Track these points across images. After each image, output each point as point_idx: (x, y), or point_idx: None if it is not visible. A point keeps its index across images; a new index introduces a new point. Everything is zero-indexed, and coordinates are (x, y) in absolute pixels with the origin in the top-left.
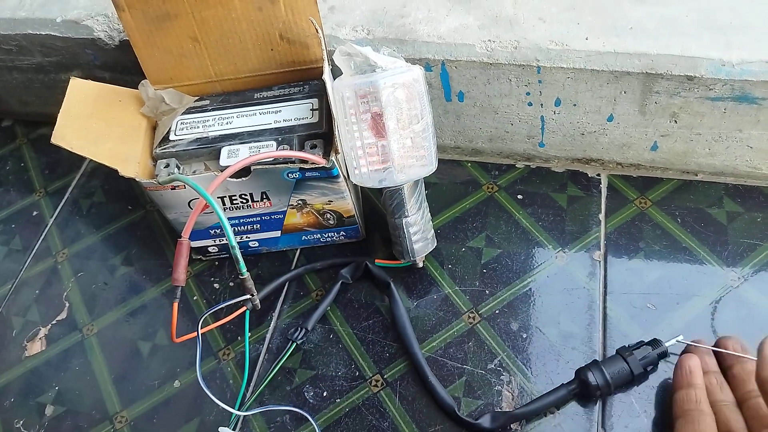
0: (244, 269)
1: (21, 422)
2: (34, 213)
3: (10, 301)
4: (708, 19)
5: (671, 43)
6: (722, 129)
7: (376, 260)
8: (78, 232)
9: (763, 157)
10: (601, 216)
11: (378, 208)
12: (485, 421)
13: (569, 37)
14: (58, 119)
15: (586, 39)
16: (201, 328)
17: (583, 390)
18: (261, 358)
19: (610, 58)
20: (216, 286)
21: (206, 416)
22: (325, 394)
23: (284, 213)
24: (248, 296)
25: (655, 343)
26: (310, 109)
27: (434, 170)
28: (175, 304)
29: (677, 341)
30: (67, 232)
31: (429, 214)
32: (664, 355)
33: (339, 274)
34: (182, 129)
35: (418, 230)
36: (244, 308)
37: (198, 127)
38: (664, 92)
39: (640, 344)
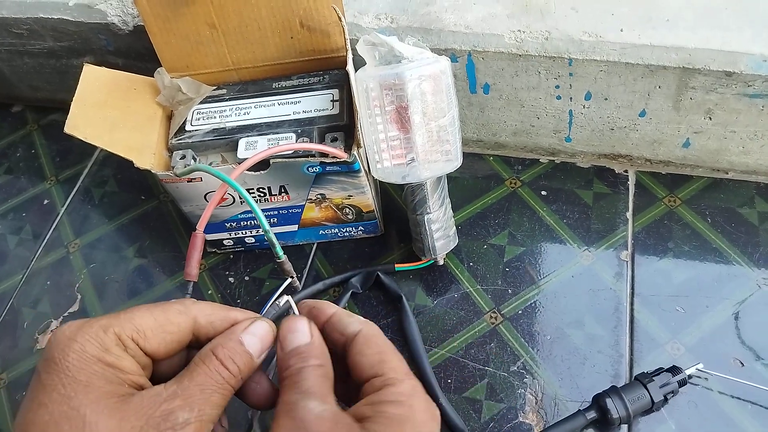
0: (281, 252)
1: None
2: (45, 201)
3: (21, 292)
4: (749, 12)
5: (710, 37)
6: (758, 127)
7: (396, 265)
8: (90, 222)
9: None
10: (629, 214)
11: (396, 202)
12: None
13: (603, 28)
14: (71, 108)
15: (621, 30)
16: None
17: (601, 417)
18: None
19: (646, 51)
20: (231, 280)
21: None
22: None
23: (302, 207)
24: (290, 278)
25: (675, 370)
26: (331, 100)
27: (459, 165)
28: None
29: (697, 369)
30: (79, 221)
31: (451, 210)
32: (683, 382)
33: (349, 283)
34: (198, 119)
35: (440, 227)
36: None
37: (215, 117)
38: (701, 88)
39: (659, 371)
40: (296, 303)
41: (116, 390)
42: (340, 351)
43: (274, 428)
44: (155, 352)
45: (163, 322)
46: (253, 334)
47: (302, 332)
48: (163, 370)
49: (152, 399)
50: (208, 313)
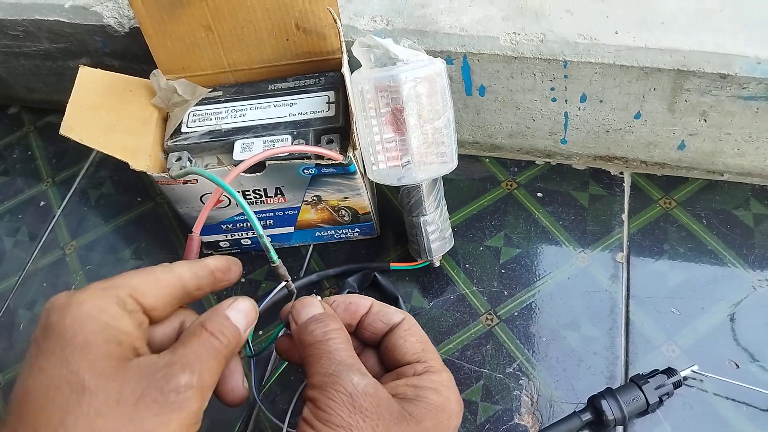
0: (275, 256)
1: None
2: (42, 203)
3: (17, 294)
4: (744, 14)
5: (704, 39)
6: (753, 129)
7: (391, 264)
8: (86, 224)
9: None
10: (624, 216)
11: (393, 204)
12: None
13: (598, 30)
14: (66, 110)
15: (616, 33)
16: None
17: (597, 419)
18: (272, 357)
19: (641, 53)
20: None
21: (216, 414)
22: None
23: (298, 209)
24: (284, 282)
25: (670, 371)
26: (326, 102)
27: (455, 167)
28: None
29: (692, 371)
30: (75, 223)
31: (447, 212)
32: (679, 384)
33: (346, 282)
34: (194, 121)
35: (436, 229)
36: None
37: (210, 119)
38: (696, 90)
39: (654, 372)
40: (330, 300)
41: (114, 351)
42: (379, 338)
43: (321, 400)
44: (153, 307)
45: (153, 280)
46: (238, 310)
47: (315, 305)
48: (156, 341)
49: (151, 365)
50: (188, 266)
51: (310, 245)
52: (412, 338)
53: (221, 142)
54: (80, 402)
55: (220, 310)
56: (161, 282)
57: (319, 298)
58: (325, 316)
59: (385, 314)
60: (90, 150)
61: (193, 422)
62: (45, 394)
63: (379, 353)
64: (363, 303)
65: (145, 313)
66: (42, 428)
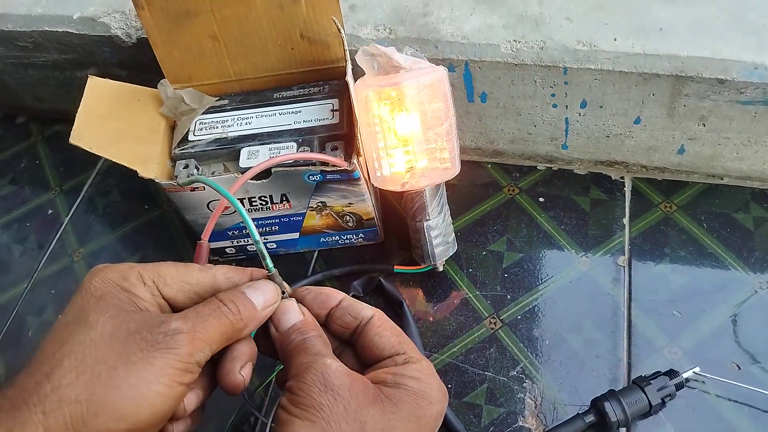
0: (271, 264)
1: None
2: (50, 211)
3: (26, 301)
4: (740, 21)
5: (702, 45)
6: (752, 133)
7: (395, 266)
8: (94, 232)
9: None
10: (625, 220)
11: (396, 209)
12: None
13: (597, 37)
14: (76, 119)
15: (615, 40)
16: None
17: (600, 421)
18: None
19: (639, 59)
20: None
21: (223, 421)
22: None
23: (303, 215)
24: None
25: (672, 373)
26: (331, 110)
27: (457, 173)
28: None
29: (694, 372)
30: (83, 231)
31: (450, 217)
32: (681, 386)
33: (351, 286)
34: (201, 129)
35: (439, 234)
36: None
37: (217, 127)
38: (694, 95)
39: (657, 374)
40: (303, 289)
41: (125, 305)
42: (348, 334)
43: (296, 386)
44: (173, 297)
45: (184, 275)
46: (255, 288)
47: (294, 311)
48: None
49: (153, 315)
50: (225, 271)
51: (315, 251)
52: (386, 332)
53: (228, 150)
54: (79, 332)
55: (237, 287)
56: (190, 279)
57: (294, 300)
58: (305, 325)
59: (354, 309)
60: (97, 159)
61: (181, 368)
62: (57, 329)
63: (356, 354)
64: (334, 296)
65: (165, 299)
66: (45, 353)
